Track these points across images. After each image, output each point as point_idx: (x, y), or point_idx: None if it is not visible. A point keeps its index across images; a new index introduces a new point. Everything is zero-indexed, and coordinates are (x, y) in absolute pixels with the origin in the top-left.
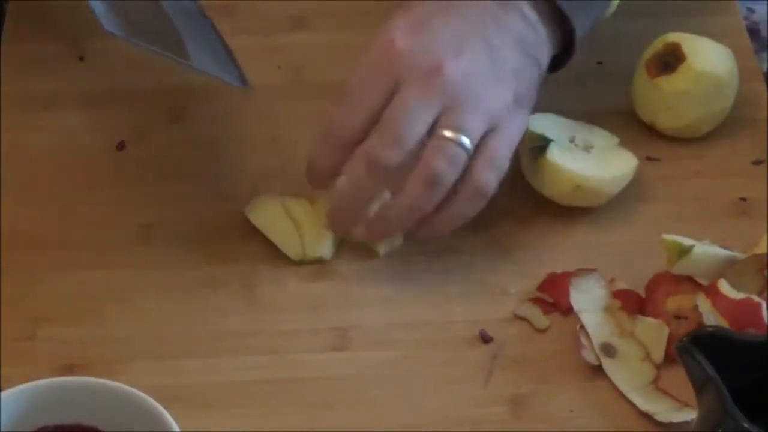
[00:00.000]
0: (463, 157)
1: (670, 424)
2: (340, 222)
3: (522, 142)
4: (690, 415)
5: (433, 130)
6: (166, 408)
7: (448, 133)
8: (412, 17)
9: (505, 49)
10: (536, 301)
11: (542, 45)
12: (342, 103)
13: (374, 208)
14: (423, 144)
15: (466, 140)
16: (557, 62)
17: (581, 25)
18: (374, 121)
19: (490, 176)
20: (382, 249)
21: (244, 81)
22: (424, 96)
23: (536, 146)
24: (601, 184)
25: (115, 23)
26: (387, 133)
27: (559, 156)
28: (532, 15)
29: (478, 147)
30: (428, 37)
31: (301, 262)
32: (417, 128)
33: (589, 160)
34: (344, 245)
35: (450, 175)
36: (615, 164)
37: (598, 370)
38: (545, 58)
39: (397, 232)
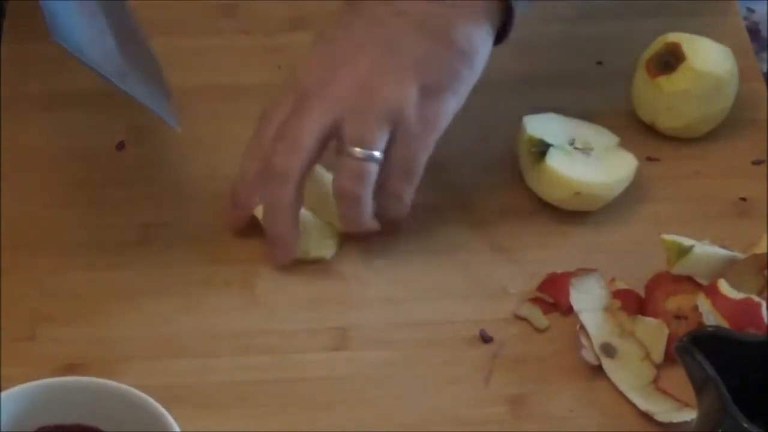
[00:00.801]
0: (373, 168)
1: (670, 424)
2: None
3: (522, 145)
4: (690, 415)
5: (339, 143)
6: (166, 408)
7: (352, 149)
8: (324, 39)
9: (406, 40)
10: (536, 301)
11: (461, 20)
12: (258, 122)
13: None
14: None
15: (371, 153)
16: (504, 30)
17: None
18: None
19: (404, 186)
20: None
21: (174, 119)
22: (317, 108)
23: (536, 151)
24: (600, 190)
25: (63, 33)
26: (285, 143)
27: (558, 162)
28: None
29: (388, 152)
30: (327, 55)
31: (302, 262)
32: (313, 134)
33: (588, 165)
34: (344, 245)
35: (363, 188)
36: (615, 167)
37: (598, 370)
38: (467, 33)
39: (366, 225)
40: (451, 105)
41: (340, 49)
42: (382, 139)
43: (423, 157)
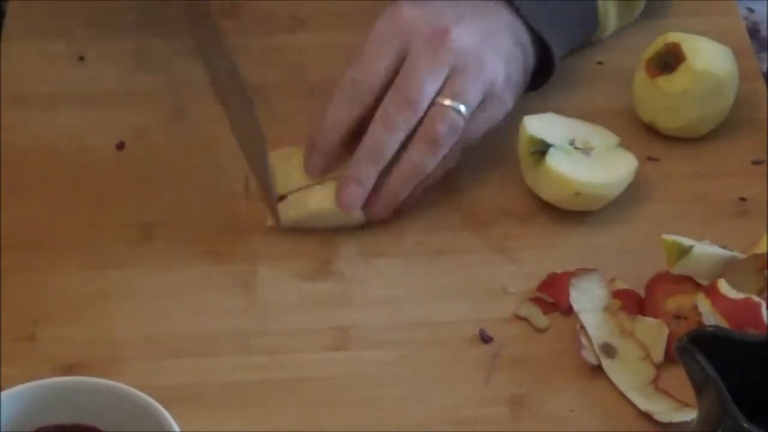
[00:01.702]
0: (460, 123)
1: (670, 424)
2: (361, 177)
3: (522, 145)
4: (690, 415)
5: (434, 96)
6: (166, 408)
7: (447, 102)
8: None
9: (499, 30)
10: (536, 301)
11: (528, 42)
12: (356, 65)
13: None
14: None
15: (463, 108)
16: (535, 82)
17: (558, 48)
18: (387, 82)
19: (458, 149)
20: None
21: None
22: (432, 60)
23: (536, 151)
24: (600, 190)
25: None
26: (400, 97)
27: (558, 162)
28: (517, 18)
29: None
30: (431, 7)
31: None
32: (428, 91)
33: (588, 165)
34: (344, 245)
35: (450, 140)
36: (615, 167)
37: (598, 370)
38: (531, 55)
39: (399, 199)
40: (510, 105)
41: (445, 10)
42: (475, 102)
43: (482, 134)
